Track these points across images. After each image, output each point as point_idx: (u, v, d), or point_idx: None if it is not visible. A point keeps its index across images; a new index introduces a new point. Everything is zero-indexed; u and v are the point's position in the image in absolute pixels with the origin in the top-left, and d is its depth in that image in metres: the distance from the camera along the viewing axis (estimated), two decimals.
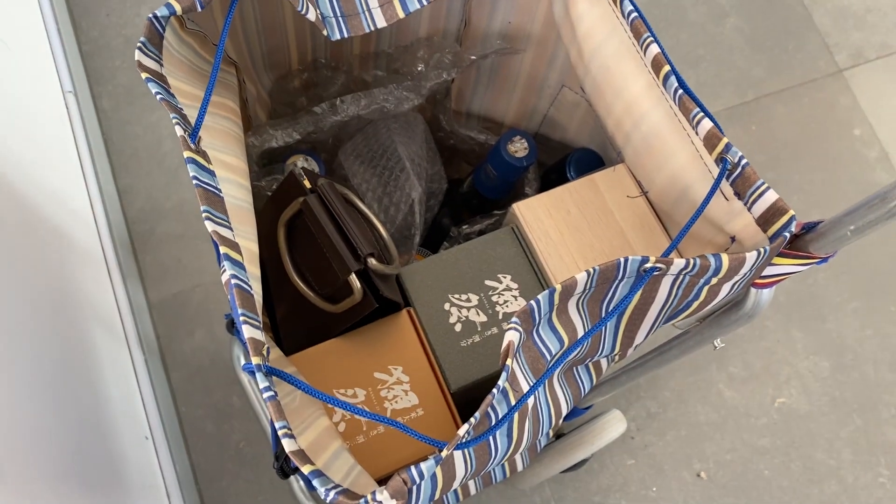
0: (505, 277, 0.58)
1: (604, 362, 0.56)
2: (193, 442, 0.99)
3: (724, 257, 0.41)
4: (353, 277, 0.49)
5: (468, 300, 0.57)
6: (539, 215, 0.59)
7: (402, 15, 0.49)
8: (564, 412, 0.55)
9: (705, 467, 1.02)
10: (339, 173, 0.65)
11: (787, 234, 0.41)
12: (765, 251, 0.41)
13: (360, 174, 0.60)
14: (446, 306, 0.56)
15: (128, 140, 1.11)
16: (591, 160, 0.67)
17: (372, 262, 0.49)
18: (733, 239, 0.46)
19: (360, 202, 0.55)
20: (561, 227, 0.59)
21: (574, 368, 0.54)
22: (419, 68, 0.59)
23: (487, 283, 0.57)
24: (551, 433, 0.78)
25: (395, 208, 0.58)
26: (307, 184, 0.51)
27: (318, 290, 0.52)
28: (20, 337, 0.69)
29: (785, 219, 0.42)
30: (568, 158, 0.67)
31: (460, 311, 0.56)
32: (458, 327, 0.56)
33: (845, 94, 1.18)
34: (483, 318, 0.56)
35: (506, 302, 0.57)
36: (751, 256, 0.41)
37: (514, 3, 0.57)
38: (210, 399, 1.01)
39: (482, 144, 0.69)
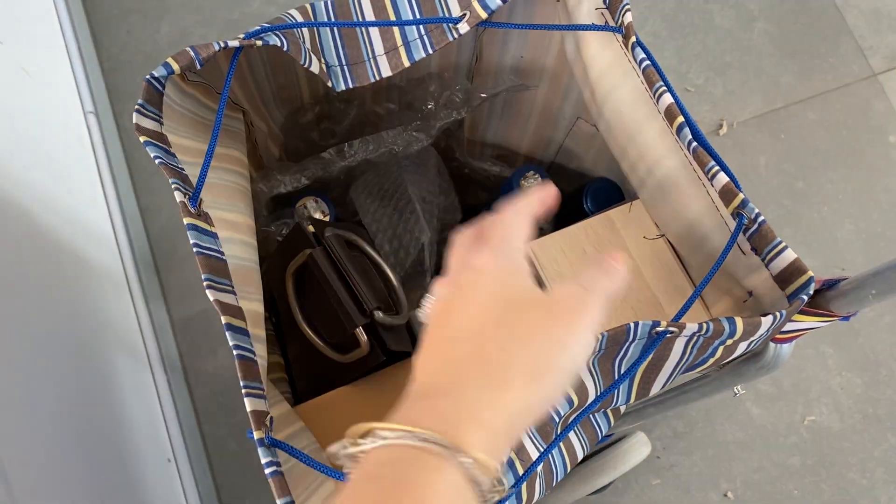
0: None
1: (622, 408, 0.55)
2: (217, 461, 1.00)
3: (739, 322, 0.39)
4: (360, 331, 0.48)
5: None
6: (553, 255, 0.58)
7: (407, 63, 0.48)
8: (580, 457, 0.54)
9: (732, 487, 1.00)
10: (351, 209, 0.65)
11: (805, 297, 0.39)
12: (781, 315, 0.39)
13: (371, 213, 0.59)
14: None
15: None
16: (608, 190, 0.65)
17: (378, 314, 0.49)
18: (751, 293, 0.45)
19: (370, 247, 0.54)
20: (576, 266, 0.57)
21: (590, 415, 0.53)
22: (429, 106, 0.57)
23: None
24: None
25: (404, 251, 0.57)
26: (313, 234, 0.51)
27: (328, 338, 0.51)
28: (38, 365, 0.70)
29: (803, 279, 0.40)
30: (585, 189, 0.65)
31: None
32: None
33: (880, 99, 1.14)
34: None
35: None
36: (766, 321, 0.39)
37: (526, 39, 0.56)
38: (233, 418, 1.02)
39: (497, 175, 0.67)
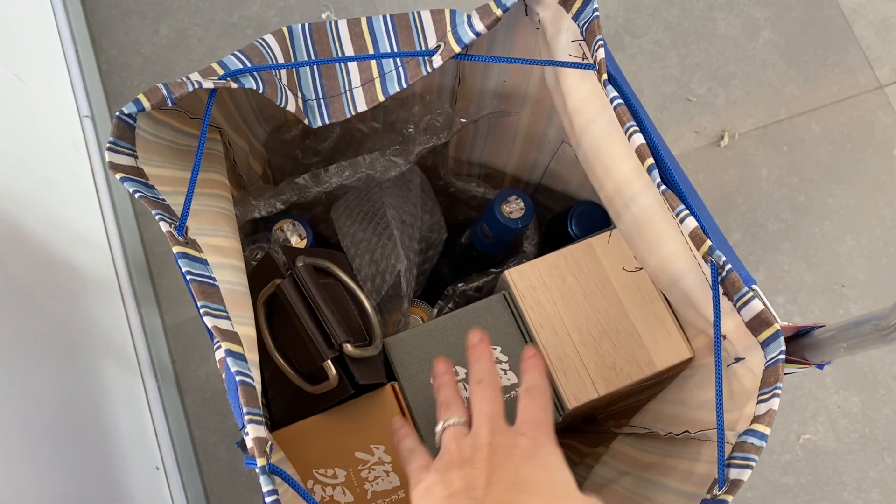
0: (495, 349, 0.56)
1: None
2: (207, 468, 1.00)
3: (768, 430, 0.39)
4: (329, 364, 0.48)
5: (456, 373, 0.55)
6: (532, 283, 0.57)
7: (381, 98, 0.47)
8: None
9: None
10: (333, 228, 0.64)
11: (781, 357, 0.38)
12: (777, 389, 0.38)
13: (350, 235, 0.59)
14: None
15: None
16: (594, 214, 0.64)
17: (347, 348, 0.48)
18: (724, 337, 0.44)
19: (345, 274, 0.53)
20: (555, 296, 0.56)
21: None
22: (410, 129, 0.57)
23: None
24: None
25: (380, 277, 0.56)
26: (284, 262, 0.50)
27: (299, 367, 0.51)
28: (22, 370, 0.70)
29: (771, 331, 0.39)
30: (570, 212, 0.64)
31: None
32: None
33: (886, 112, 1.12)
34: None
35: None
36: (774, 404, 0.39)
37: (507, 64, 0.55)
38: (224, 424, 1.02)
39: (481, 196, 0.67)
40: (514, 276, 0.57)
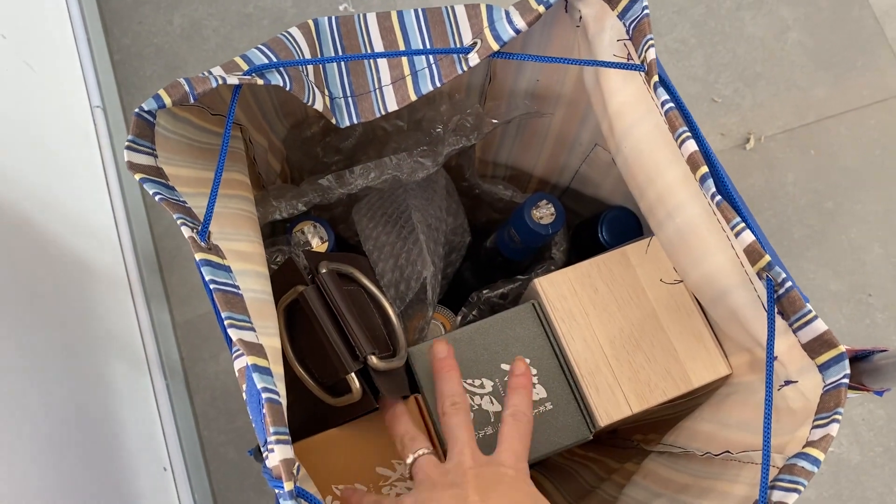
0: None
1: None
2: (214, 468, 0.98)
3: (821, 455, 0.36)
4: (352, 376, 0.45)
5: (482, 386, 0.53)
6: (563, 292, 0.54)
7: (413, 97, 0.44)
8: None
9: None
10: (354, 228, 0.62)
11: (845, 381, 0.36)
12: (837, 414, 0.36)
13: (373, 239, 0.56)
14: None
15: None
16: (626, 221, 0.62)
17: (372, 360, 0.45)
18: (776, 358, 0.41)
19: (369, 280, 0.51)
20: (587, 306, 0.54)
21: None
22: (438, 129, 0.54)
23: (504, 366, 0.53)
24: None
25: (405, 284, 0.53)
26: (306, 266, 0.48)
27: (320, 378, 0.48)
28: (28, 366, 0.68)
29: (834, 353, 0.37)
30: (601, 218, 0.61)
31: (472, 399, 0.52)
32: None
33: None
34: (498, 407, 0.52)
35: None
36: (833, 430, 0.36)
37: (542, 63, 0.52)
38: (233, 425, 1.00)
39: (508, 199, 0.64)
40: (543, 285, 0.54)
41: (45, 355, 0.72)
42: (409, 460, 0.44)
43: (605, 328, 0.53)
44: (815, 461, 0.36)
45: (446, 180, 0.63)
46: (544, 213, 0.58)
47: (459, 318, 0.62)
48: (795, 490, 0.36)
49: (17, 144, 0.78)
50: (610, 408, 0.52)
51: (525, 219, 0.57)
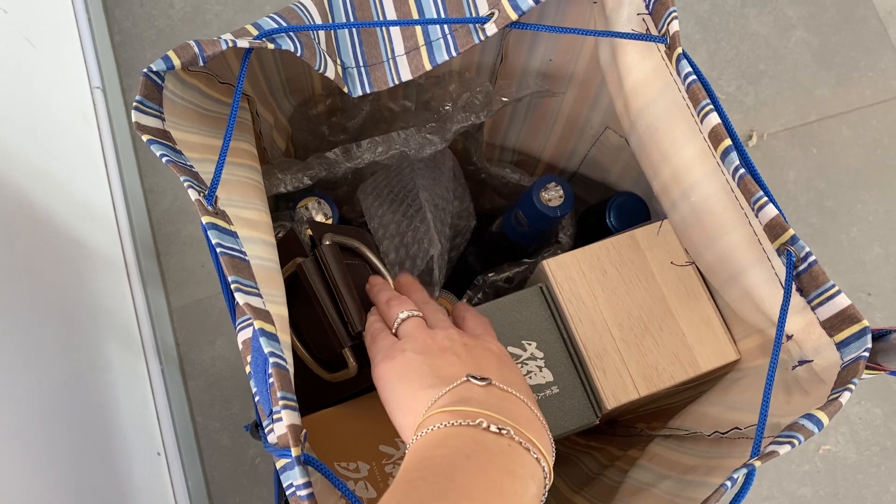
0: (530, 345, 0.53)
1: None
2: (208, 455, 0.97)
3: (824, 417, 0.35)
4: (348, 351, 0.45)
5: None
6: (571, 274, 0.54)
7: (428, 66, 0.44)
8: None
9: None
10: (359, 208, 0.61)
11: (865, 354, 0.35)
12: (853, 385, 0.35)
13: (378, 217, 0.55)
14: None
15: None
16: (634, 207, 0.61)
17: None
18: (790, 337, 0.41)
19: (373, 255, 0.50)
20: (595, 289, 0.53)
21: None
22: (447, 107, 0.53)
23: (510, 349, 0.52)
24: None
25: (411, 262, 0.53)
26: (307, 241, 0.47)
27: (317, 353, 0.47)
28: (22, 347, 0.67)
29: (856, 329, 0.36)
30: (609, 203, 0.61)
31: None
32: None
33: None
34: None
35: (529, 373, 0.52)
36: (845, 399, 0.35)
37: (556, 41, 0.52)
38: (228, 411, 0.99)
39: (515, 182, 0.63)
40: (552, 267, 0.53)
41: (40, 336, 0.71)
42: (396, 321, 0.43)
43: (613, 311, 0.53)
44: (819, 422, 0.35)
45: (453, 162, 0.62)
46: (553, 195, 0.57)
47: (464, 300, 0.61)
48: (789, 443, 0.35)
49: (16, 119, 0.77)
50: (617, 391, 0.51)
51: (534, 201, 0.57)
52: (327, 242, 0.46)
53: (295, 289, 0.48)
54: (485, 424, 0.34)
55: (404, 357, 0.40)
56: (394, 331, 0.43)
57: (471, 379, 0.38)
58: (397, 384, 0.40)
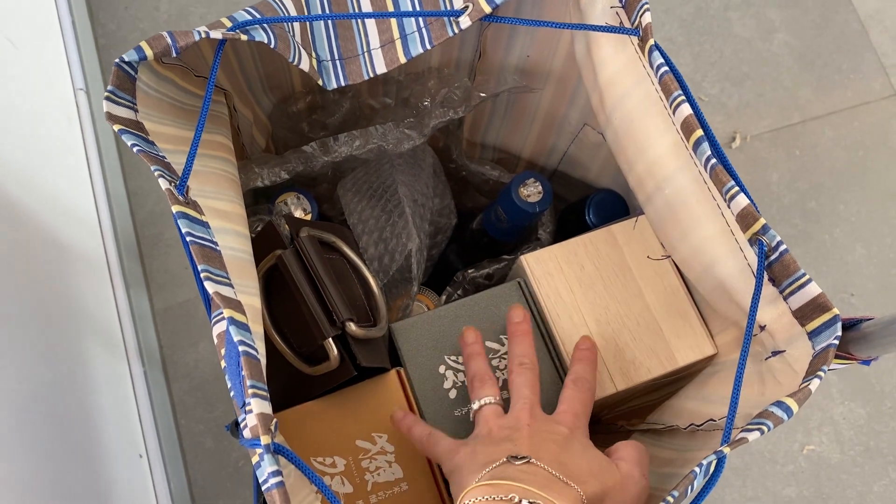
0: (504, 338, 0.53)
1: None
2: (191, 458, 0.96)
3: (794, 404, 0.35)
4: (330, 343, 0.45)
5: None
6: (549, 269, 0.54)
7: (403, 60, 0.44)
8: None
9: None
10: (339, 206, 0.61)
11: (835, 342, 0.35)
12: (823, 373, 0.35)
13: (358, 212, 0.55)
14: (441, 369, 0.51)
15: None
16: (613, 204, 0.61)
17: (350, 327, 0.45)
18: (763, 328, 0.41)
19: (351, 250, 0.50)
20: (573, 284, 0.53)
21: None
22: (426, 103, 0.53)
23: (489, 344, 0.52)
24: None
25: (389, 257, 0.53)
26: (287, 234, 0.47)
27: (297, 347, 0.47)
28: (4, 346, 0.66)
29: (827, 317, 0.36)
30: (588, 200, 0.61)
31: (456, 376, 0.51)
32: (452, 394, 0.51)
33: None
34: None
35: (507, 367, 0.52)
36: (814, 386, 0.35)
37: (533, 37, 0.52)
38: (211, 413, 0.98)
39: (495, 180, 0.64)
40: (529, 262, 0.53)
41: (21, 336, 0.70)
42: (475, 406, 0.46)
43: (591, 306, 0.53)
44: (788, 409, 0.36)
45: (434, 160, 0.62)
46: (532, 191, 0.57)
47: (444, 297, 0.61)
48: (759, 430, 0.35)
49: (0, 120, 0.76)
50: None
51: (512, 197, 0.57)
52: (304, 235, 0.46)
53: (274, 282, 0.48)
54: (517, 499, 0.37)
55: (465, 451, 0.43)
56: (471, 417, 0.47)
57: (510, 459, 0.40)
58: (455, 476, 0.43)
